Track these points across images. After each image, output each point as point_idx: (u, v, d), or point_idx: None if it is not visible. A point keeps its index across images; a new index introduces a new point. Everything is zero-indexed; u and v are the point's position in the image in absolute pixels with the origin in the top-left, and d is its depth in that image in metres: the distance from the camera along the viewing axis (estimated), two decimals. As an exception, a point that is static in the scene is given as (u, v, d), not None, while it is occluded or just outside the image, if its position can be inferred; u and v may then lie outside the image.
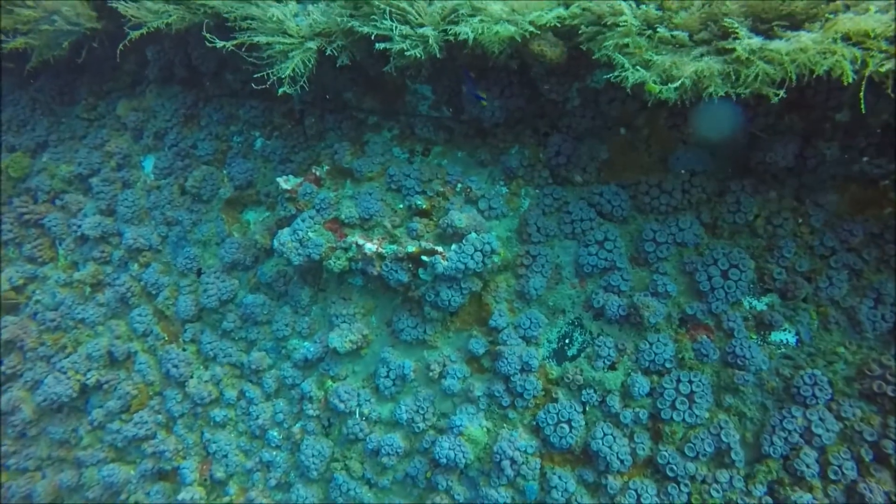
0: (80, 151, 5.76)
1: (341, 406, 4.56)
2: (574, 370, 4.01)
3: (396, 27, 3.30)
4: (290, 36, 3.63)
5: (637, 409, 3.87)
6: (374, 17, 3.41)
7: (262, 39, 3.65)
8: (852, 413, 3.38)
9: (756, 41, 2.66)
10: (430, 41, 3.29)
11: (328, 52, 3.61)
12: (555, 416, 4.00)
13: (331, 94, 4.61)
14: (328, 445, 4.76)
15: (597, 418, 3.99)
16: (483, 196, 4.20)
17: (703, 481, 3.70)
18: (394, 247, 4.10)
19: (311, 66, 3.64)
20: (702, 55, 2.86)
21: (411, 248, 4.02)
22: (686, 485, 3.72)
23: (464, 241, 3.94)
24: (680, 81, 2.77)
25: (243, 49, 3.73)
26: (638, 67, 2.88)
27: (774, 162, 3.43)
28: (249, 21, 3.76)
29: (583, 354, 4.06)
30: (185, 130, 5.38)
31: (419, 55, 3.33)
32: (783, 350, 3.64)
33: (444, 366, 4.33)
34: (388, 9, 3.33)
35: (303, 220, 4.38)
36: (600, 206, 3.95)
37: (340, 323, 4.58)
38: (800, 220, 3.60)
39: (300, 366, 4.87)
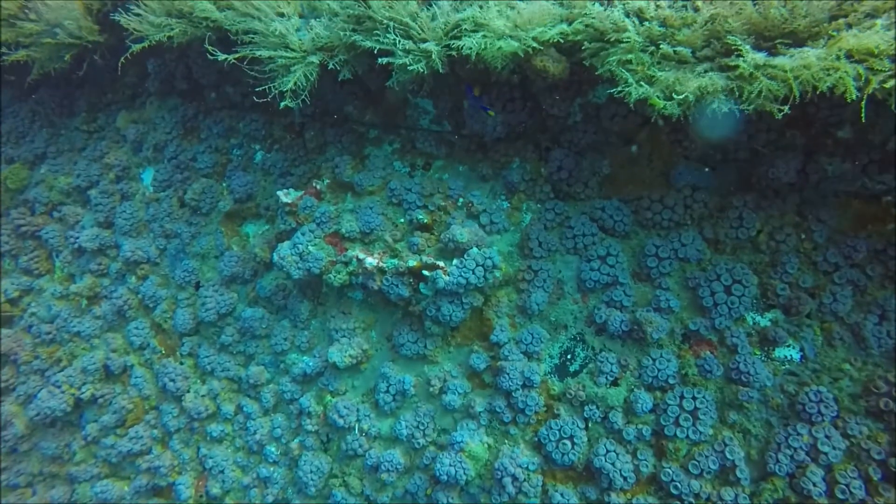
0: (79, 163, 5.74)
1: (340, 421, 4.51)
2: (576, 386, 3.98)
3: (399, 41, 3.30)
4: (293, 50, 3.63)
5: (640, 426, 3.83)
6: (376, 31, 3.41)
7: (265, 53, 3.65)
8: (859, 431, 3.35)
9: (760, 56, 2.67)
10: (433, 56, 3.29)
11: (330, 66, 3.61)
12: (557, 432, 3.96)
13: (332, 109, 4.61)
14: (327, 461, 4.70)
15: (599, 435, 3.95)
16: (484, 210, 4.18)
17: (708, 499, 3.65)
18: (395, 261, 4.08)
19: (312, 79, 3.64)
20: (705, 71, 2.86)
21: (412, 263, 4.00)
22: (691, 503, 3.67)
23: (465, 255, 3.92)
24: (683, 96, 2.77)
25: (245, 62, 3.73)
26: (642, 83, 2.88)
27: (777, 177, 3.43)
28: (251, 35, 3.77)
29: (585, 370, 4.02)
30: (184, 143, 5.37)
31: (422, 70, 3.33)
32: (787, 366, 3.61)
33: (445, 381, 4.29)
34: (390, 24, 3.34)
35: (303, 234, 4.35)
36: (602, 221, 3.93)
37: (340, 337, 4.54)
38: (802, 236, 3.59)
39: (299, 380, 4.82)
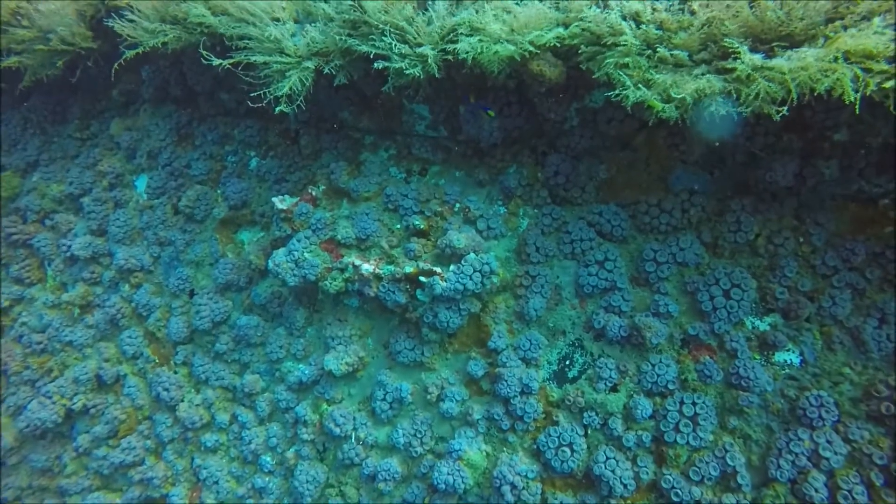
0: (72, 171, 5.69)
1: (337, 430, 4.45)
2: (575, 392, 3.94)
3: (395, 45, 3.29)
4: (288, 55, 3.61)
5: (640, 432, 3.79)
6: (372, 36, 3.40)
7: (260, 59, 3.63)
8: (860, 436, 3.32)
9: (757, 58, 2.66)
10: (429, 60, 3.28)
11: (326, 71, 3.59)
12: (556, 439, 3.92)
13: (328, 114, 4.59)
14: (323, 471, 4.63)
15: (599, 441, 3.91)
16: (481, 216, 4.16)
17: (709, 506, 3.61)
18: (391, 267, 4.04)
19: (308, 84, 3.62)
20: (702, 74, 2.86)
21: (409, 269, 3.96)
22: (691, 510, 3.63)
23: (462, 261, 3.88)
24: (681, 96, 2.76)
25: (239, 68, 3.71)
26: (639, 86, 2.87)
27: (774, 181, 3.42)
28: (246, 41, 3.74)
29: (584, 376, 3.99)
30: (179, 150, 5.33)
31: (418, 74, 3.32)
32: (787, 371, 3.59)
33: (443, 388, 4.24)
34: (386, 28, 3.32)
35: (298, 241, 4.32)
36: (600, 226, 3.91)
37: (336, 345, 4.49)
38: (801, 240, 3.58)
39: (295, 389, 4.76)
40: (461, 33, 3.24)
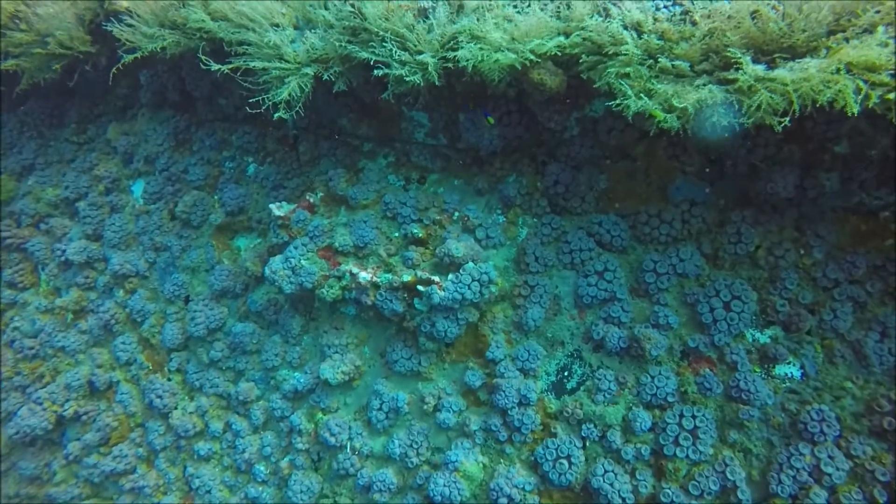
0: (68, 175, 5.65)
1: (332, 440, 4.39)
2: (573, 404, 3.89)
3: (395, 51, 3.27)
4: (287, 61, 3.59)
5: (639, 445, 3.75)
6: (372, 43, 3.38)
7: (259, 65, 3.61)
8: (863, 451, 3.28)
9: (759, 69, 2.65)
10: (430, 68, 3.26)
11: (325, 77, 3.57)
12: (554, 451, 3.87)
13: (326, 121, 4.57)
14: (317, 481, 4.57)
15: (597, 454, 3.86)
16: (480, 225, 4.13)
17: (709, 521, 3.56)
18: (389, 276, 4.00)
19: (307, 91, 3.59)
20: (704, 84, 2.84)
21: (407, 278, 3.93)
22: (691, 525, 3.58)
23: (461, 270, 3.85)
24: (683, 106, 2.74)
25: (238, 74, 3.69)
26: (641, 95, 2.85)
27: (775, 192, 3.40)
28: (245, 46, 3.73)
29: (582, 388, 3.95)
30: (176, 155, 5.30)
31: (418, 82, 3.30)
32: (788, 384, 3.55)
33: (440, 398, 4.19)
34: (386, 35, 3.30)
35: (295, 248, 4.28)
36: (599, 236, 3.89)
37: (332, 353, 4.44)
38: (801, 252, 3.56)
39: (290, 397, 4.71)
40: (462, 41, 3.22)
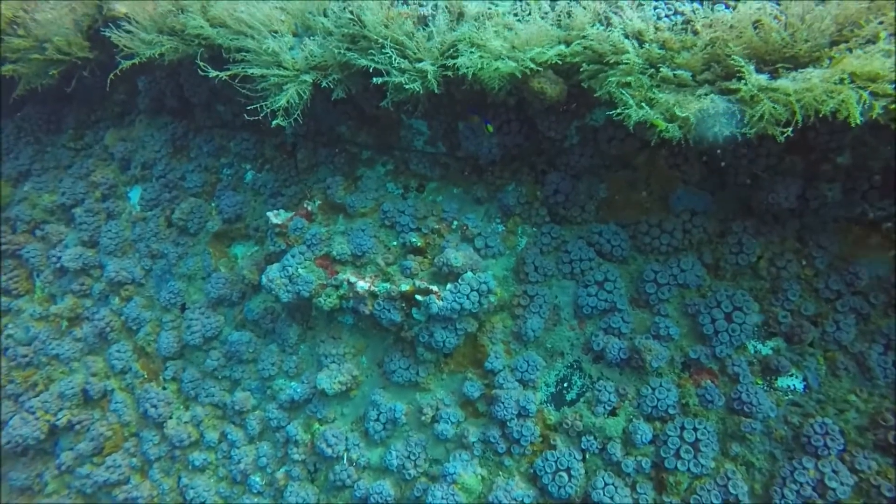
0: (65, 181, 5.61)
1: (328, 450, 4.34)
2: (573, 416, 3.84)
3: (395, 59, 3.24)
4: (286, 68, 3.56)
5: (639, 458, 3.70)
6: (371, 50, 3.36)
7: (257, 72, 3.58)
8: (867, 466, 3.23)
9: (762, 79, 2.63)
10: (429, 76, 3.23)
11: (324, 85, 3.55)
12: (553, 464, 3.81)
13: (325, 128, 4.54)
14: (313, 492, 4.51)
15: (597, 467, 3.80)
16: (479, 234, 4.09)
17: (711, 536, 3.51)
18: (387, 285, 3.96)
19: (305, 98, 3.57)
20: (706, 94, 2.81)
21: (405, 287, 3.89)
22: (692, 540, 3.53)
23: (459, 280, 3.81)
24: (685, 115, 2.72)
25: (236, 80, 3.66)
26: (642, 104, 2.82)
27: (777, 203, 3.37)
28: (244, 53, 3.70)
29: (582, 399, 3.90)
30: (174, 161, 5.27)
31: (417, 89, 3.27)
32: (791, 397, 3.51)
33: (438, 409, 4.14)
34: (386, 42, 3.28)
35: (293, 256, 4.24)
36: (599, 246, 3.85)
37: (329, 363, 4.39)
38: (803, 262, 3.52)
39: (286, 407, 4.65)
40: (462, 49, 3.20)
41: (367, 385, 4.43)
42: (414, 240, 4.13)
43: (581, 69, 3.11)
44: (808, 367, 3.48)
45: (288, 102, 3.51)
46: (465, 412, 4.14)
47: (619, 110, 2.92)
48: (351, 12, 3.38)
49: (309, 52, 3.54)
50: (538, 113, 3.66)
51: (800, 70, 2.66)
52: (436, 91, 3.33)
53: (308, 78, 3.54)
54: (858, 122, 2.52)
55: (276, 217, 4.35)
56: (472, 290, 3.77)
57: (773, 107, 2.62)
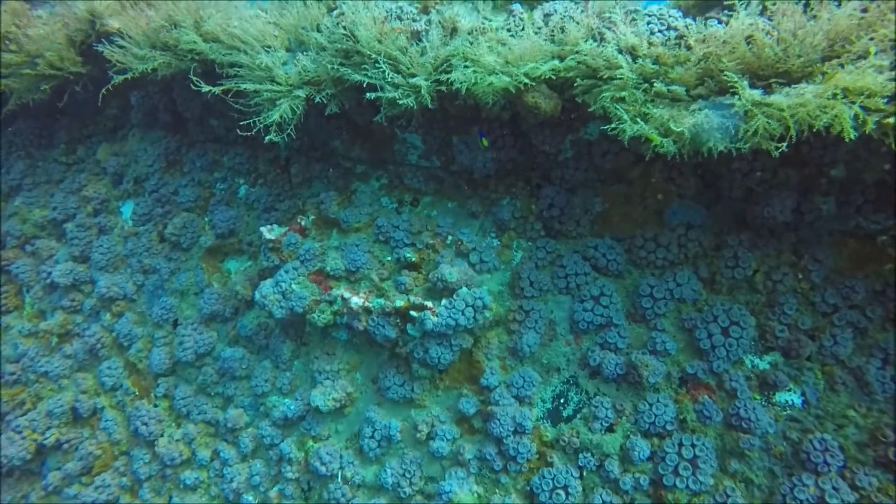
0: (56, 196, 5.56)
1: (322, 469, 4.26)
2: (570, 432, 3.80)
3: (388, 73, 3.23)
4: (279, 83, 3.55)
5: (637, 475, 3.65)
6: (364, 65, 3.35)
7: (250, 87, 3.57)
8: (868, 483, 3.20)
9: (756, 94, 2.62)
10: (423, 91, 3.22)
11: (317, 100, 3.53)
12: (550, 481, 3.76)
13: (318, 143, 4.52)
14: (306, 513, 4.43)
15: (595, 484, 3.75)
16: (474, 249, 4.06)
17: (710, 555, 3.45)
18: (381, 301, 3.92)
19: (299, 113, 3.55)
20: (700, 109, 2.81)
21: (399, 303, 3.85)
22: (692, 559, 3.47)
23: (454, 295, 3.78)
24: (680, 130, 2.71)
25: (230, 95, 3.64)
26: (637, 119, 2.82)
27: (772, 216, 3.36)
28: (237, 68, 3.69)
29: (579, 415, 3.85)
30: (166, 176, 5.24)
31: (411, 104, 3.26)
32: (789, 412, 3.48)
33: (433, 426, 4.09)
34: (379, 57, 3.27)
35: (286, 272, 4.20)
36: (595, 260, 3.83)
37: (323, 379, 4.34)
38: (800, 276, 3.51)
39: (279, 424, 4.58)
40: (455, 64, 3.19)
41: (362, 402, 4.37)
42: (408, 255, 4.10)
43: (575, 84, 3.11)
44: (806, 382, 3.45)
45: (281, 117, 3.50)
46: (461, 429, 4.09)
47: (613, 125, 2.92)
48: (344, 28, 3.38)
49: (302, 67, 3.53)
50: (532, 127, 3.65)
51: (793, 85, 2.66)
52: (430, 106, 3.32)
53: (301, 93, 3.52)
54: (852, 136, 2.52)
55: (269, 232, 4.32)
56: (467, 306, 3.74)
57: (768, 122, 2.62)
